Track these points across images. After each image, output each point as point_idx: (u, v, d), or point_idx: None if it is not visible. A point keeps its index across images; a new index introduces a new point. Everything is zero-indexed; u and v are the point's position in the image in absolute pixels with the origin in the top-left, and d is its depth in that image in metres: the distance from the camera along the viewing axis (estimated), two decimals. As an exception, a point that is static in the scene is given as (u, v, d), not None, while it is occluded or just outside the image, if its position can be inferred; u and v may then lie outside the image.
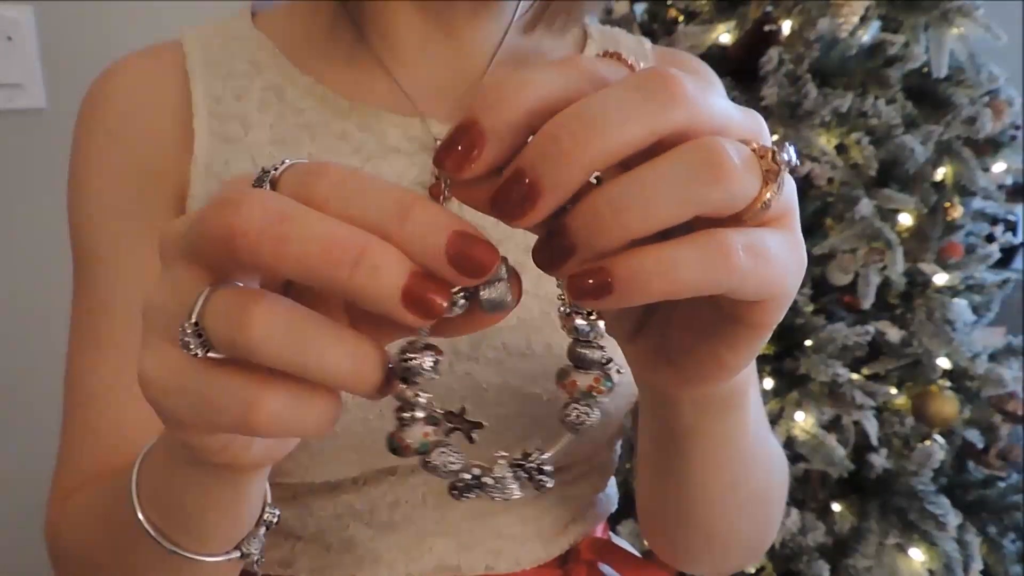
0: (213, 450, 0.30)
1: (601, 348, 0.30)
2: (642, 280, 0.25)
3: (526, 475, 0.31)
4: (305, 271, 0.25)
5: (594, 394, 0.30)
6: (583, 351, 0.30)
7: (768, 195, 0.26)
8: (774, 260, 0.27)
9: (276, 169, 0.28)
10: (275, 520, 0.40)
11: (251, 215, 0.25)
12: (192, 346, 0.27)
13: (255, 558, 0.40)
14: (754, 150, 0.26)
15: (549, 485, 0.31)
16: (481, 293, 0.28)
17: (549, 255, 0.27)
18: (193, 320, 0.27)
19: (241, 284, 0.27)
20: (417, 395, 0.28)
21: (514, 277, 0.28)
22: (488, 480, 0.31)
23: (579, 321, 0.29)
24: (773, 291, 0.27)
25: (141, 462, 0.41)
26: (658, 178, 0.25)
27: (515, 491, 0.31)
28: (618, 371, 0.30)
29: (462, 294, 0.27)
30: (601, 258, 0.26)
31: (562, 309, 0.30)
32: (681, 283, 0.25)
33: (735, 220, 0.27)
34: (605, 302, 0.26)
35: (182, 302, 0.27)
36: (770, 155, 0.26)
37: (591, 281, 0.26)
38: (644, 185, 0.25)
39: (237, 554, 0.40)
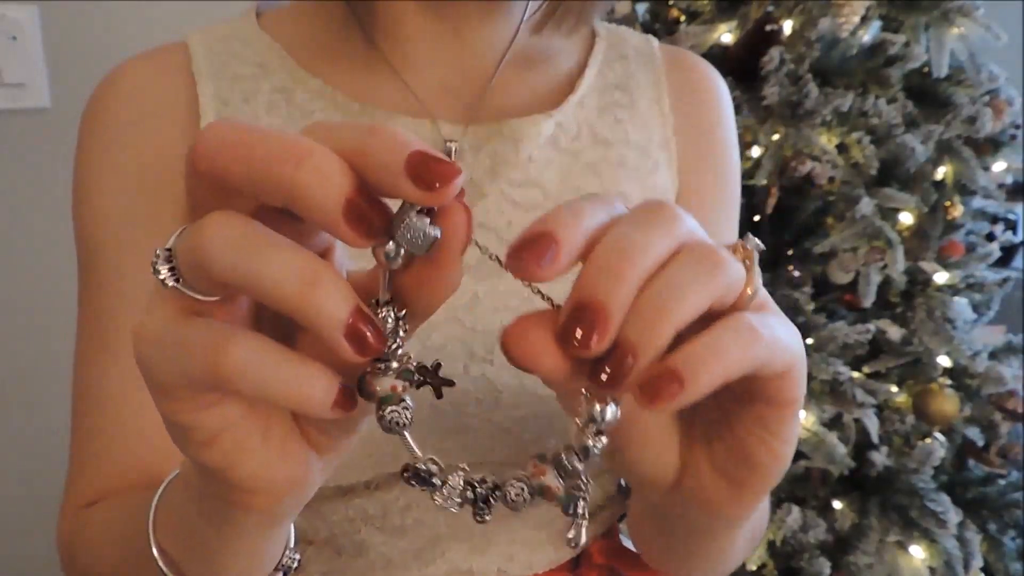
0: (200, 438, 0.30)
1: (582, 468, 0.31)
2: (702, 366, 0.28)
3: (472, 497, 0.32)
4: (252, 171, 0.26)
5: (543, 492, 0.32)
6: (572, 463, 0.31)
7: (755, 280, 0.30)
8: (783, 333, 0.31)
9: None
10: (295, 565, 0.40)
11: (207, 134, 0.27)
12: (160, 269, 0.28)
13: None
14: (732, 249, 0.31)
15: (487, 518, 0.32)
16: (396, 236, 0.27)
17: (614, 374, 0.28)
18: (167, 246, 0.28)
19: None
20: (394, 347, 0.29)
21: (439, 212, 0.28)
22: (437, 481, 0.31)
23: (590, 443, 0.31)
24: (794, 360, 0.31)
25: (160, 498, 0.41)
26: (681, 276, 0.28)
27: (454, 506, 0.31)
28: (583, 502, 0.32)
29: (391, 244, 0.27)
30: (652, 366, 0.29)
31: (584, 423, 0.31)
32: (731, 362, 0.29)
33: (733, 310, 0.30)
34: (680, 399, 0.28)
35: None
36: (740, 247, 0.31)
37: (663, 381, 0.28)
38: (672, 284, 0.28)
39: None
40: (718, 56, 1.28)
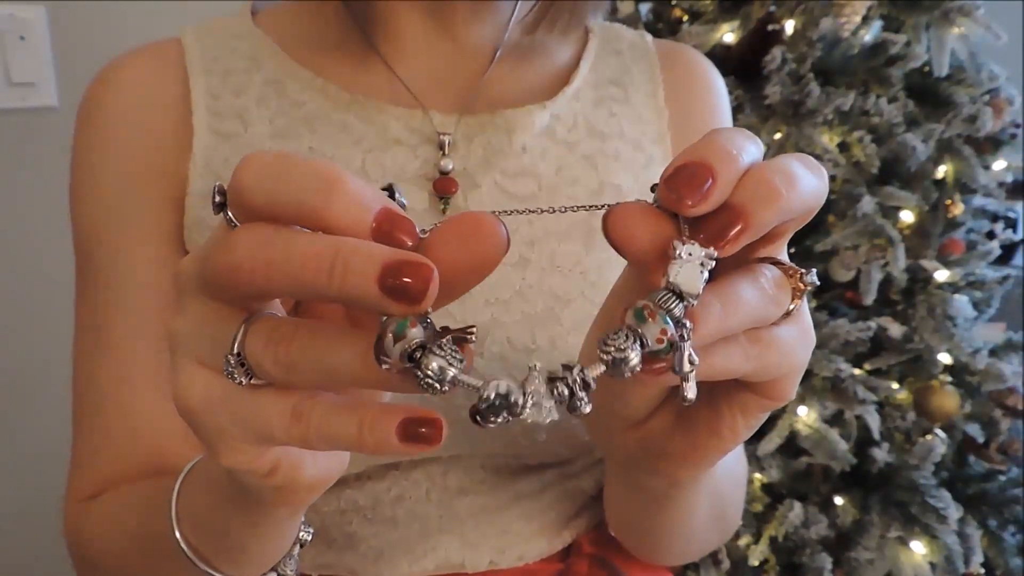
0: (262, 473, 0.32)
1: (681, 300, 0.28)
2: (769, 196, 0.29)
3: (566, 390, 0.27)
4: (294, 286, 0.27)
5: (652, 318, 0.28)
6: (666, 295, 0.28)
7: (792, 307, 0.32)
8: (802, 342, 0.33)
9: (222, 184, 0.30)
10: (309, 538, 0.42)
11: (239, 251, 0.27)
12: (236, 375, 0.29)
13: (291, 572, 0.42)
14: (788, 272, 0.32)
15: (586, 409, 0.28)
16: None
17: (719, 231, 0.29)
18: (235, 352, 0.29)
19: (270, 312, 0.30)
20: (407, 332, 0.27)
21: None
22: (517, 398, 0.27)
23: (675, 265, 0.28)
24: (800, 366, 0.33)
25: (181, 485, 0.42)
26: (798, 167, 0.30)
27: (551, 410, 0.27)
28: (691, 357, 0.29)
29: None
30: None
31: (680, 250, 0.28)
32: (800, 196, 0.30)
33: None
34: (737, 238, 0.29)
35: (215, 331, 0.30)
36: (798, 276, 0.32)
37: (724, 223, 0.29)
38: (793, 170, 0.30)
39: (273, 575, 0.41)
40: (720, 56, 1.28)
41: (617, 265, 0.60)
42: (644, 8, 1.41)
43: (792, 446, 1.28)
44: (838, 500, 1.31)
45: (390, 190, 0.29)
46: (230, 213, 0.29)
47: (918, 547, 1.28)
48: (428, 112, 0.57)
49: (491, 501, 0.59)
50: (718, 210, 0.28)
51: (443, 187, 0.56)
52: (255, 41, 0.59)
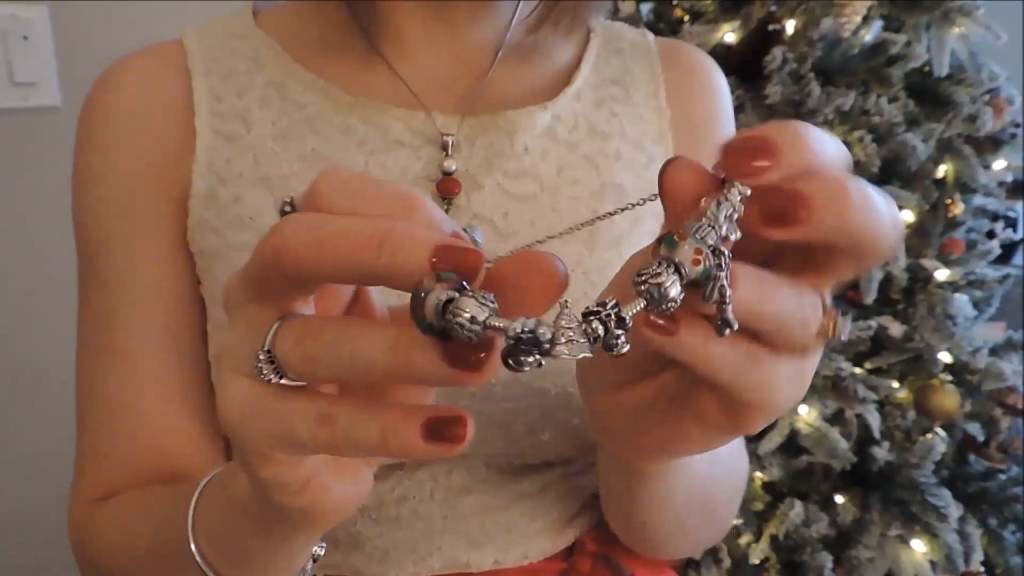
0: (293, 489, 0.32)
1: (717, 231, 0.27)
2: (844, 202, 0.28)
3: (601, 326, 0.26)
4: (341, 265, 0.27)
5: (683, 240, 0.27)
6: (703, 226, 0.27)
7: (809, 344, 0.31)
8: (781, 382, 0.31)
9: (293, 198, 0.31)
10: (322, 552, 0.42)
11: (288, 232, 0.28)
12: (265, 371, 0.29)
13: None
14: (824, 310, 0.31)
15: (624, 349, 0.26)
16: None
17: (784, 211, 0.27)
18: (266, 348, 0.29)
19: (303, 314, 0.30)
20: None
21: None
22: (545, 334, 0.25)
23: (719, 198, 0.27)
24: (765, 412, 0.32)
25: (198, 499, 0.42)
26: (882, 202, 0.29)
27: (584, 347, 0.26)
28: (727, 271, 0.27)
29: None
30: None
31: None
32: (871, 217, 0.28)
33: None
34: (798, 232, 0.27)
35: (254, 337, 0.30)
36: (833, 317, 0.31)
37: (788, 205, 0.27)
38: (876, 199, 0.29)
39: None
40: (721, 55, 1.28)
41: (618, 266, 0.60)
42: (645, 8, 1.41)
43: (793, 445, 1.28)
44: (839, 499, 1.31)
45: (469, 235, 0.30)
46: None
47: (918, 545, 1.29)
48: (430, 113, 0.57)
49: (495, 500, 0.59)
50: (783, 192, 0.27)
51: (446, 188, 0.56)
52: (257, 42, 0.59)
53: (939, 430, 1.33)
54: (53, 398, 1.34)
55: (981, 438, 1.36)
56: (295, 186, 0.56)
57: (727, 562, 1.29)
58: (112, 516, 0.54)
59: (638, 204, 0.32)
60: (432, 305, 0.25)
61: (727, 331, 0.28)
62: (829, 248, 0.29)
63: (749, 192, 0.27)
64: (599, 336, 0.26)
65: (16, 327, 1.36)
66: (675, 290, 0.26)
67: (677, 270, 0.26)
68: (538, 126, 0.58)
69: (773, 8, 1.27)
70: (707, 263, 0.26)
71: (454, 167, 0.56)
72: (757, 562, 1.29)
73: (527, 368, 0.25)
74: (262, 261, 0.28)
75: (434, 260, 0.26)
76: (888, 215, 0.29)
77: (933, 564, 1.28)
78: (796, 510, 1.26)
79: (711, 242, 0.27)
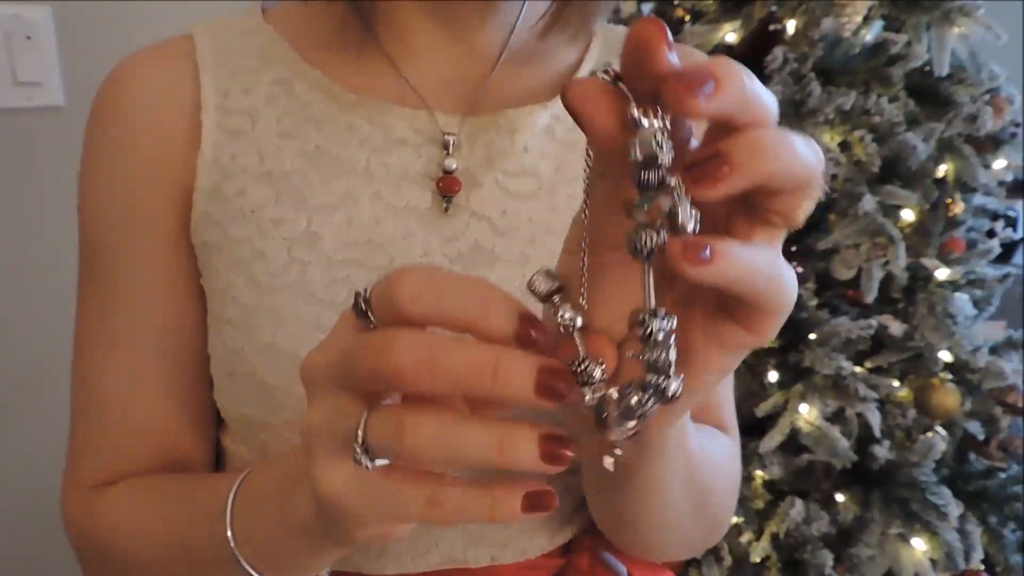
0: (377, 537, 0.36)
1: (654, 170, 0.28)
2: (756, 153, 0.28)
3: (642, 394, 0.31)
4: (456, 388, 0.30)
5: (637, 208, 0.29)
6: (642, 172, 0.28)
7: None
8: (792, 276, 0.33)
9: (366, 290, 0.33)
10: None
11: (404, 356, 0.30)
12: (364, 462, 0.32)
13: (325, 574, 0.46)
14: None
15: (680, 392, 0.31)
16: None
17: (704, 174, 0.28)
18: (360, 441, 0.32)
19: (390, 401, 0.33)
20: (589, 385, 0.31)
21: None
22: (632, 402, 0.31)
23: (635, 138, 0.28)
24: (787, 302, 0.32)
25: (236, 499, 0.45)
26: (799, 142, 0.30)
27: (672, 385, 0.30)
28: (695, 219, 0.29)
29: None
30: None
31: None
32: (788, 159, 0.29)
33: (771, 221, 0.31)
34: (720, 185, 0.28)
35: (346, 423, 0.33)
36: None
37: (710, 166, 0.28)
38: (792, 141, 0.29)
39: None
40: (722, 55, 1.29)
41: None
42: (646, 8, 1.42)
43: (793, 443, 1.28)
44: (839, 497, 1.32)
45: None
46: (371, 316, 0.32)
47: (919, 544, 1.29)
48: (433, 113, 0.58)
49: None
50: (685, 69, 0.27)
51: (447, 186, 0.56)
52: (265, 39, 0.60)
53: (939, 429, 1.33)
54: (56, 397, 1.34)
55: (981, 437, 1.36)
56: (297, 182, 0.56)
57: (728, 560, 1.29)
58: (116, 503, 0.55)
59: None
60: (621, 413, 0.31)
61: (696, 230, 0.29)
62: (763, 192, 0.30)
63: (668, 125, 0.28)
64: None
65: (20, 326, 1.36)
66: (662, 236, 0.29)
67: (667, 225, 0.29)
68: (538, 125, 0.59)
69: (774, 8, 1.28)
70: (647, 202, 0.29)
71: (455, 165, 0.57)
72: (758, 560, 1.29)
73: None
74: (374, 375, 0.31)
75: (541, 385, 0.30)
76: (806, 152, 0.30)
77: (933, 562, 1.28)
78: (797, 508, 1.26)
79: (653, 180, 0.28)
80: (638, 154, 0.28)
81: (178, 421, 0.58)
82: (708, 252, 0.28)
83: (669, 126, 0.28)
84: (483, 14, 0.59)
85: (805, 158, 0.30)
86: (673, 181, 0.29)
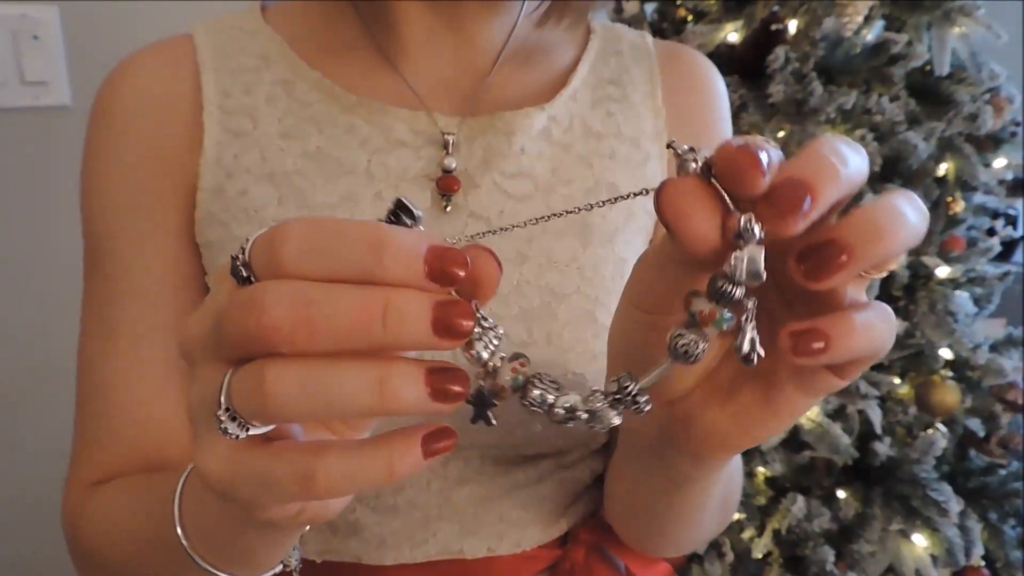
0: (289, 518, 0.32)
1: (741, 286, 0.28)
2: (851, 340, 0.29)
3: (623, 406, 0.30)
4: (343, 341, 0.26)
5: (705, 324, 0.29)
6: (726, 285, 0.28)
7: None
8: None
9: (244, 251, 0.29)
10: (307, 528, 0.41)
11: (277, 311, 0.26)
12: (230, 430, 0.28)
13: (293, 566, 0.43)
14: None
15: (647, 408, 0.30)
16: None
17: (819, 265, 0.28)
18: (224, 406, 0.28)
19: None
20: (487, 344, 0.29)
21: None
22: (583, 415, 0.30)
23: (739, 253, 0.28)
24: (887, 351, 0.32)
25: (182, 492, 0.41)
26: (907, 208, 0.29)
27: (614, 418, 0.30)
28: (752, 333, 0.29)
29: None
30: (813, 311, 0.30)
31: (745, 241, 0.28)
32: (870, 345, 0.30)
33: (864, 275, 0.31)
34: (818, 359, 0.29)
35: (214, 392, 0.28)
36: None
37: (811, 341, 0.29)
38: (902, 211, 0.29)
39: (279, 568, 0.42)
40: (724, 55, 1.29)
41: (612, 261, 0.60)
42: (649, 8, 1.42)
43: (795, 440, 1.28)
44: (840, 493, 1.32)
45: (401, 206, 0.29)
46: (252, 280, 0.28)
47: (919, 540, 1.29)
48: (432, 114, 0.58)
49: (489, 490, 0.60)
50: (785, 184, 0.27)
51: (446, 185, 0.57)
52: (265, 39, 0.60)
53: (940, 426, 1.33)
54: (60, 396, 1.35)
55: (981, 434, 1.36)
56: (299, 183, 0.56)
57: (730, 556, 1.30)
58: (101, 503, 0.55)
59: (624, 198, 0.31)
60: (511, 383, 0.29)
61: (756, 360, 0.30)
62: None
63: (764, 236, 0.28)
64: (621, 411, 0.30)
65: (25, 325, 1.36)
66: (700, 349, 0.29)
67: (701, 330, 0.29)
68: (535, 127, 0.59)
69: (776, 8, 1.28)
70: (723, 322, 0.29)
71: (454, 165, 0.57)
72: (760, 556, 1.29)
73: (571, 425, 0.31)
74: (245, 336, 0.27)
75: (438, 324, 0.26)
76: (915, 216, 0.30)
77: (934, 558, 1.28)
78: (798, 505, 1.27)
79: (739, 295, 0.28)
80: (742, 274, 0.28)
81: (179, 417, 0.58)
82: (822, 344, 0.29)
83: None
84: (482, 14, 0.60)
85: (916, 226, 0.29)
86: (751, 303, 0.29)
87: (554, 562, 0.63)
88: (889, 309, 0.32)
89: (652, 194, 0.29)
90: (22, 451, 1.41)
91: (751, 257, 0.28)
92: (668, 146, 0.29)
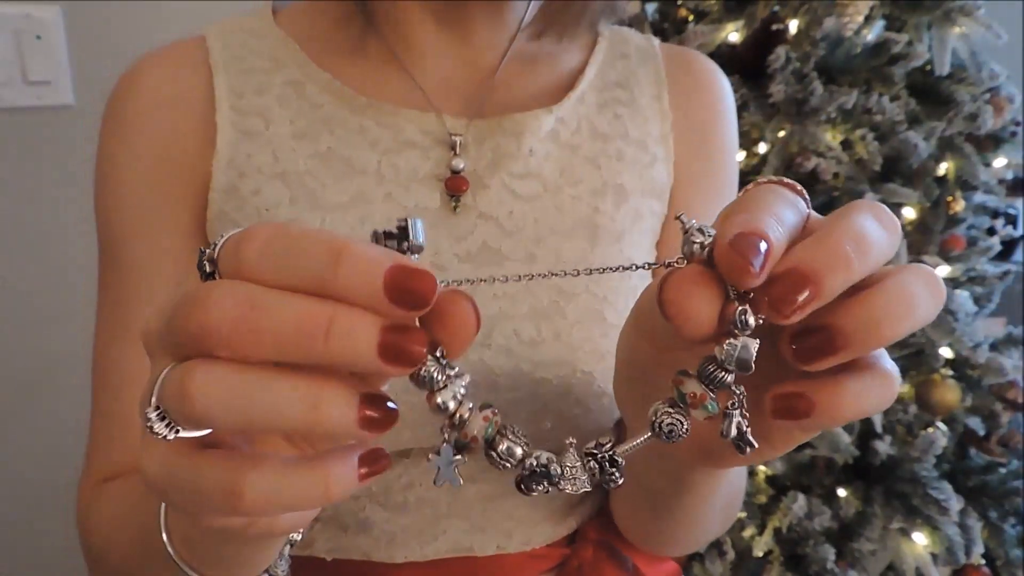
0: (236, 531, 0.31)
1: (732, 373, 0.28)
2: (838, 408, 0.29)
3: (597, 466, 0.30)
4: (283, 352, 0.25)
5: (694, 407, 0.29)
6: (716, 371, 0.28)
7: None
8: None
9: (215, 247, 0.28)
10: (298, 537, 0.42)
11: (219, 311, 0.25)
12: (156, 428, 0.27)
13: (282, 572, 0.42)
14: None
15: (620, 482, 0.30)
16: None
17: (812, 349, 0.28)
18: (154, 404, 0.27)
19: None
20: (455, 395, 0.28)
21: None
22: (556, 469, 0.30)
23: (733, 341, 0.28)
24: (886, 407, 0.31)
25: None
26: (921, 294, 0.28)
27: (585, 483, 0.30)
28: (743, 418, 0.29)
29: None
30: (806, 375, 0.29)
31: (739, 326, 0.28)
32: (861, 411, 0.29)
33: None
34: (801, 424, 0.29)
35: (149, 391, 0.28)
36: None
37: (795, 405, 0.28)
38: (914, 299, 0.28)
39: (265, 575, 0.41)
40: (725, 55, 1.29)
41: (620, 261, 0.61)
42: (650, 8, 1.42)
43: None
44: (841, 492, 1.32)
45: (406, 225, 0.27)
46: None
47: (920, 538, 1.29)
48: (441, 115, 0.59)
49: (498, 488, 0.60)
50: (784, 276, 0.27)
51: (454, 186, 0.57)
52: (276, 41, 0.61)
53: (940, 424, 1.33)
54: (66, 396, 1.35)
55: (982, 432, 1.36)
56: (311, 183, 0.57)
57: (731, 555, 1.30)
58: (105, 501, 0.55)
59: (628, 268, 0.31)
60: (481, 434, 0.28)
61: (748, 451, 0.30)
62: None
63: (758, 322, 0.28)
64: (596, 473, 0.30)
65: (30, 324, 1.37)
66: (684, 428, 0.29)
67: (685, 409, 0.29)
68: (543, 129, 0.60)
69: (776, 8, 1.28)
70: (711, 407, 0.29)
71: (462, 165, 0.58)
72: (761, 555, 1.30)
73: (536, 492, 0.29)
74: (185, 334, 0.26)
75: (386, 345, 0.25)
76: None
77: (934, 556, 1.28)
78: (799, 503, 1.27)
79: (729, 381, 0.28)
80: (733, 363, 0.28)
81: None
82: (805, 410, 0.28)
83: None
84: (488, 15, 0.60)
85: (927, 311, 0.28)
86: (739, 390, 0.29)
87: (562, 560, 0.63)
88: (892, 371, 0.31)
89: (654, 257, 0.29)
90: (22, 452, 1.41)
91: (744, 346, 0.27)
92: (677, 218, 0.29)
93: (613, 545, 0.64)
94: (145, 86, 0.59)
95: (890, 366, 0.31)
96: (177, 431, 0.27)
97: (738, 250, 0.27)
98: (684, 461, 0.39)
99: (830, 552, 1.27)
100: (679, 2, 1.37)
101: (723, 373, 0.28)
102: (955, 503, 1.26)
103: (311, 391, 0.26)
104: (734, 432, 0.29)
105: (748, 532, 1.31)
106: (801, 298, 0.27)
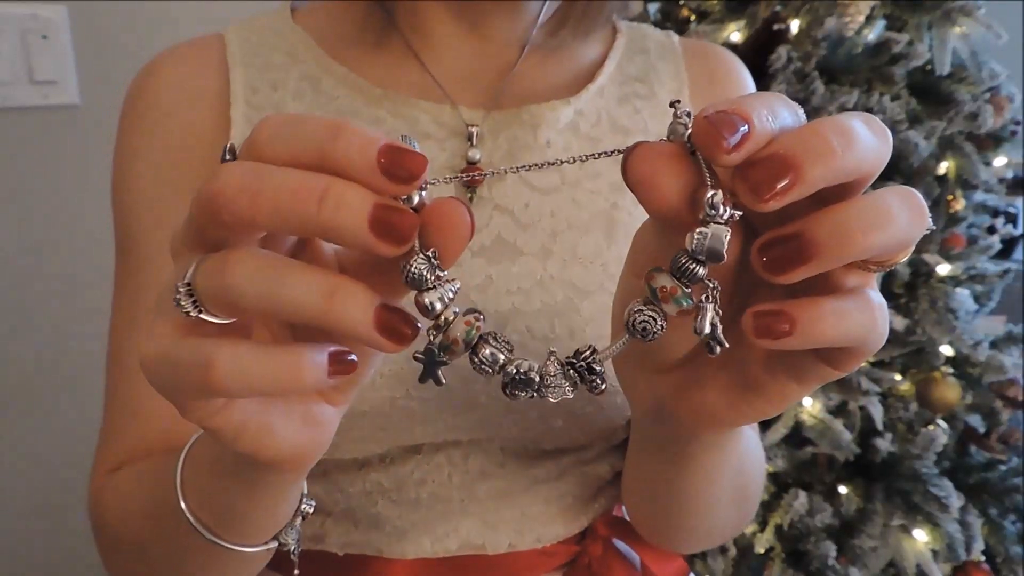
0: (228, 436, 0.31)
1: (703, 265, 0.28)
2: (820, 323, 0.28)
3: (577, 375, 0.30)
4: (279, 215, 0.27)
5: (666, 301, 0.28)
6: (688, 262, 0.28)
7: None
8: (886, 319, 0.30)
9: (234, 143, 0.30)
10: (310, 511, 0.42)
11: (226, 179, 0.27)
12: (183, 304, 0.28)
13: (291, 547, 0.42)
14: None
15: (602, 387, 0.30)
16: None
17: (781, 258, 0.27)
18: (185, 280, 0.29)
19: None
20: (442, 297, 0.28)
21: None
22: (536, 377, 0.29)
23: (703, 229, 0.27)
24: (879, 345, 0.30)
25: (185, 458, 0.42)
26: (897, 208, 0.28)
27: (567, 390, 0.30)
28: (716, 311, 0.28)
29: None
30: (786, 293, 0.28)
31: (711, 214, 0.27)
32: (844, 334, 0.28)
33: (865, 267, 0.30)
34: (784, 343, 0.28)
35: (179, 276, 0.29)
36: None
37: (777, 321, 0.28)
38: (889, 211, 0.27)
39: (275, 544, 0.42)
40: (727, 54, 1.30)
41: None
42: (652, 8, 1.43)
43: (797, 436, 1.29)
44: (842, 489, 1.32)
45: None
46: None
47: (920, 535, 1.30)
48: (457, 107, 0.59)
49: (510, 485, 0.60)
50: (765, 160, 0.26)
51: (477, 183, 0.57)
52: (293, 38, 0.61)
53: (941, 422, 1.34)
54: (72, 395, 1.36)
55: (982, 430, 1.37)
56: None
57: (733, 551, 1.31)
58: (118, 484, 0.55)
59: (596, 157, 0.30)
60: (463, 336, 0.28)
61: (718, 349, 0.29)
62: None
63: (736, 216, 0.27)
64: (577, 382, 0.30)
65: (35, 323, 1.37)
66: (658, 326, 0.28)
67: (661, 306, 0.28)
68: (561, 120, 0.60)
69: (778, 8, 1.28)
70: (684, 301, 0.28)
71: (478, 156, 0.58)
72: (762, 551, 1.30)
73: (521, 398, 0.30)
74: (200, 208, 0.28)
75: (376, 219, 0.26)
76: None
77: (935, 553, 1.29)
78: (800, 500, 1.27)
79: (701, 274, 0.28)
80: (703, 251, 0.27)
81: None
82: (786, 327, 0.27)
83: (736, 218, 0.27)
84: (505, 10, 0.60)
85: (905, 228, 0.27)
86: (713, 284, 0.28)
87: (573, 557, 0.63)
88: (877, 300, 0.30)
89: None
90: (23, 451, 1.41)
91: (714, 234, 0.27)
92: (671, 105, 0.28)
93: (623, 542, 0.64)
94: (164, 81, 0.60)
95: (876, 296, 0.30)
96: (200, 311, 0.29)
97: (713, 123, 0.26)
98: (682, 424, 0.38)
99: (831, 549, 1.27)
100: (681, 2, 1.38)
101: (694, 264, 0.27)
102: (955, 500, 1.26)
103: (329, 280, 0.27)
104: (707, 328, 0.28)
105: (749, 529, 1.31)
106: (781, 184, 0.26)
